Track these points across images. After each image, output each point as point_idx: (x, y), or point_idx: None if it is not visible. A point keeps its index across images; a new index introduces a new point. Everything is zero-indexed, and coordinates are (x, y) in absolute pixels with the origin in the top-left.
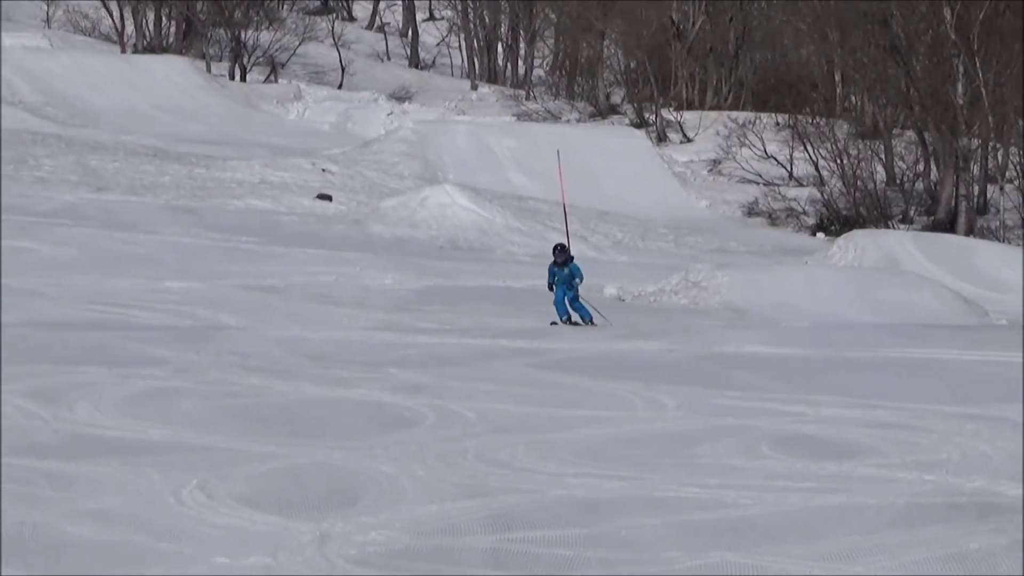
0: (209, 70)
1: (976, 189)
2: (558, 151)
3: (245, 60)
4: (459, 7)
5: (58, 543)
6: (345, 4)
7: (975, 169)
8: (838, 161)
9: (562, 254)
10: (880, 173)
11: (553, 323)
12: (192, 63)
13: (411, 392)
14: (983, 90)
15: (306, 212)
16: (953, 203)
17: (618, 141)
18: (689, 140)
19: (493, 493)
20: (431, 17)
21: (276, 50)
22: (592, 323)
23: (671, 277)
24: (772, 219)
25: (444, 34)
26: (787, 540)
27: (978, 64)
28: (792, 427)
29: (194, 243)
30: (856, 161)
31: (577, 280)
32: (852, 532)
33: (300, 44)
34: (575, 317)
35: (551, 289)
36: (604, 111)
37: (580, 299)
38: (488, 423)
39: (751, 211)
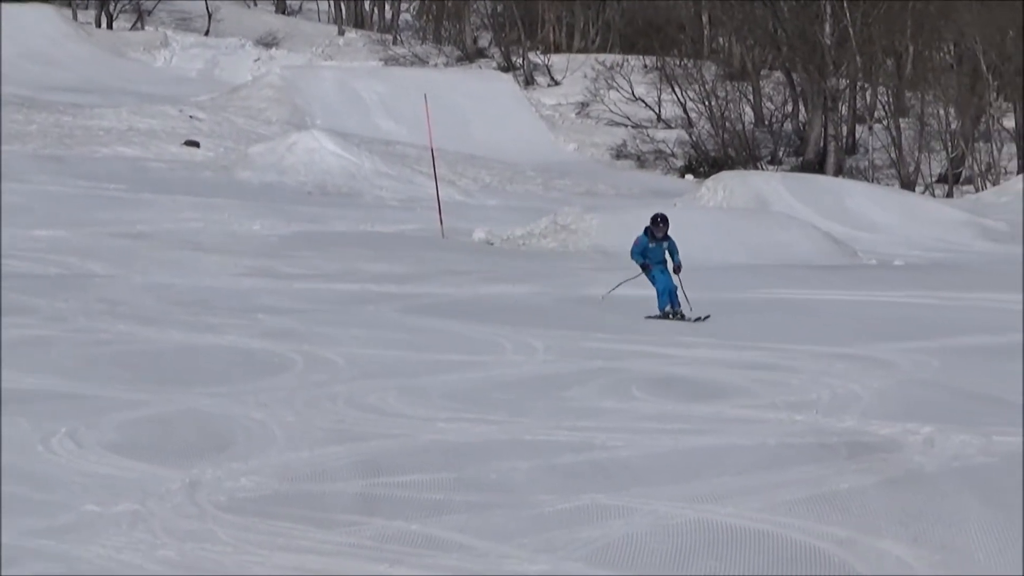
0: (76, 18)
1: (844, 129)
2: (425, 96)
3: (111, 8)
4: None
5: None
6: None
7: (843, 109)
8: (706, 103)
9: (663, 227)
10: (748, 114)
11: (650, 316)
12: (59, 11)
13: (280, 338)
14: (850, 30)
15: (174, 159)
16: (822, 143)
17: (486, 85)
18: (557, 83)
19: (363, 438)
20: None
21: None
22: (682, 317)
23: (540, 220)
24: (641, 161)
25: None
26: (658, 481)
27: (845, 4)
28: (662, 369)
29: (62, 191)
30: (724, 103)
31: (677, 258)
32: (723, 473)
33: None
34: (684, 309)
35: (645, 270)
36: (471, 55)
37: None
38: (358, 368)
39: (619, 154)
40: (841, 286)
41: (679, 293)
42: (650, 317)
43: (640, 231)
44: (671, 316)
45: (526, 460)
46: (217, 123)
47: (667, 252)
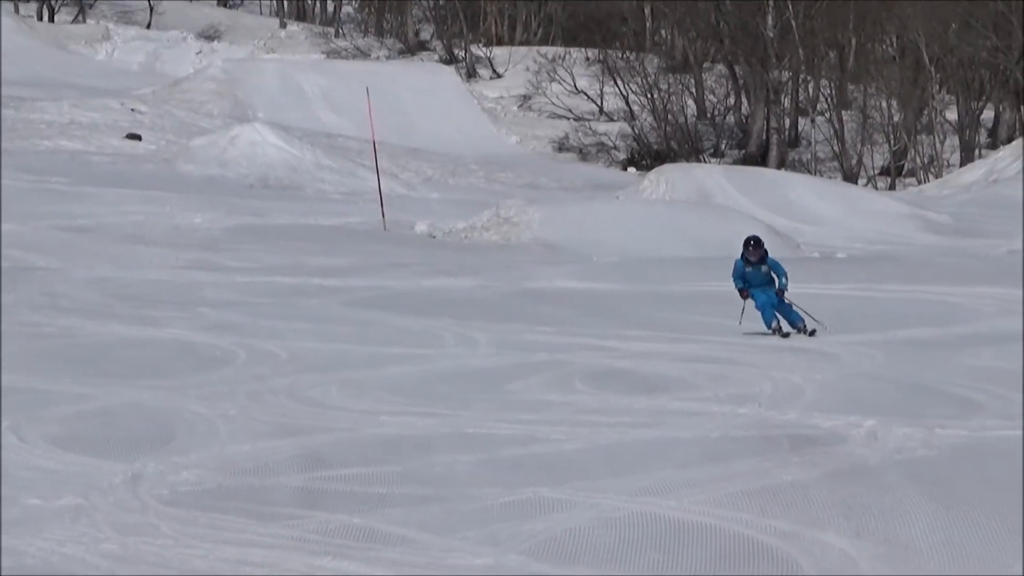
0: (17, 11)
1: (787, 122)
2: (367, 89)
3: (53, 1)
4: None
5: None
6: None
7: (786, 102)
8: (649, 95)
9: (757, 250)
10: (691, 107)
11: (766, 333)
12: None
13: (222, 331)
14: (793, 23)
15: (116, 152)
16: (764, 136)
17: (428, 78)
18: (499, 76)
19: (305, 432)
20: None
21: None
22: (807, 330)
23: (482, 213)
24: (583, 154)
25: None
26: (601, 475)
27: None
28: (605, 362)
29: (4, 185)
30: (667, 95)
31: (783, 280)
32: (666, 466)
33: None
34: (785, 325)
35: (743, 295)
36: (413, 48)
37: (787, 301)
38: (300, 361)
39: (562, 146)
40: None
41: (795, 308)
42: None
43: (586, 223)
44: (776, 333)
45: (469, 453)
46: (159, 116)
47: (772, 273)
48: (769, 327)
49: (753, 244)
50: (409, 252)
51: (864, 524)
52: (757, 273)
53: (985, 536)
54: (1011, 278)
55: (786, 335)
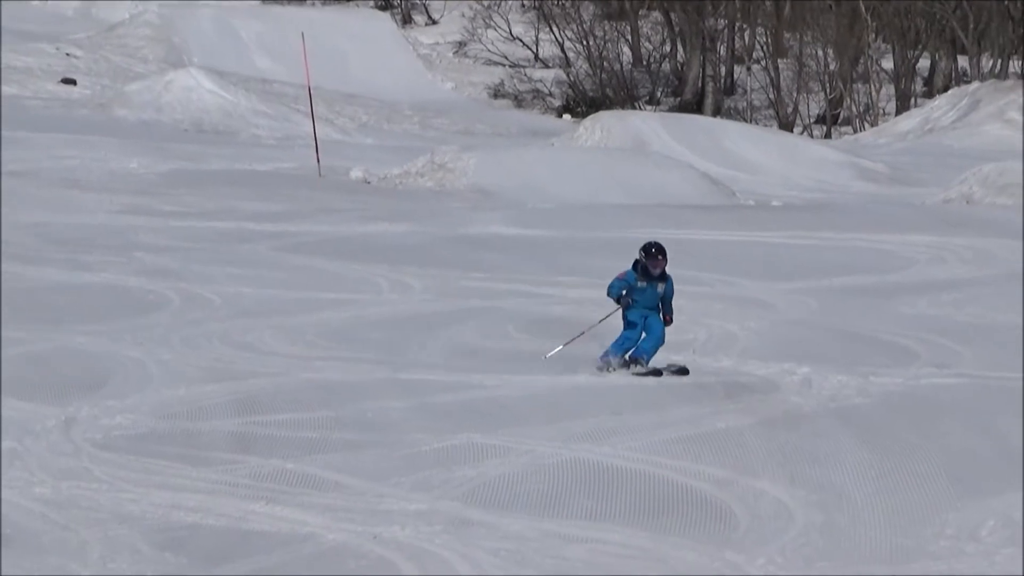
0: None
1: (723, 70)
2: (303, 34)
3: None
4: None
5: None
6: None
7: (722, 50)
8: (584, 43)
9: (661, 262)
10: (626, 54)
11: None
12: None
13: (156, 276)
14: None
15: (51, 96)
16: (700, 84)
17: (363, 24)
18: (434, 22)
19: (239, 377)
20: None
21: None
22: (653, 370)
23: (417, 159)
24: (518, 101)
25: None
26: (534, 421)
27: None
28: (540, 309)
29: None
30: (602, 42)
31: (669, 308)
32: (600, 413)
33: None
34: (638, 356)
35: (618, 302)
36: None
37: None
38: (233, 307)
39: (497, 93)
40: (719, 226)
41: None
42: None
43: (521, 170)
44: (618, 364)
45: (402, 399)
46: (94, 61)
47: (660, 299)
48: (617, 355)
49: (658, 252)
50: (343, 198)
51: (799, 471)
52: (649, 292)
53: (919, 482)
54: (945, 226)
55: (634, 368)
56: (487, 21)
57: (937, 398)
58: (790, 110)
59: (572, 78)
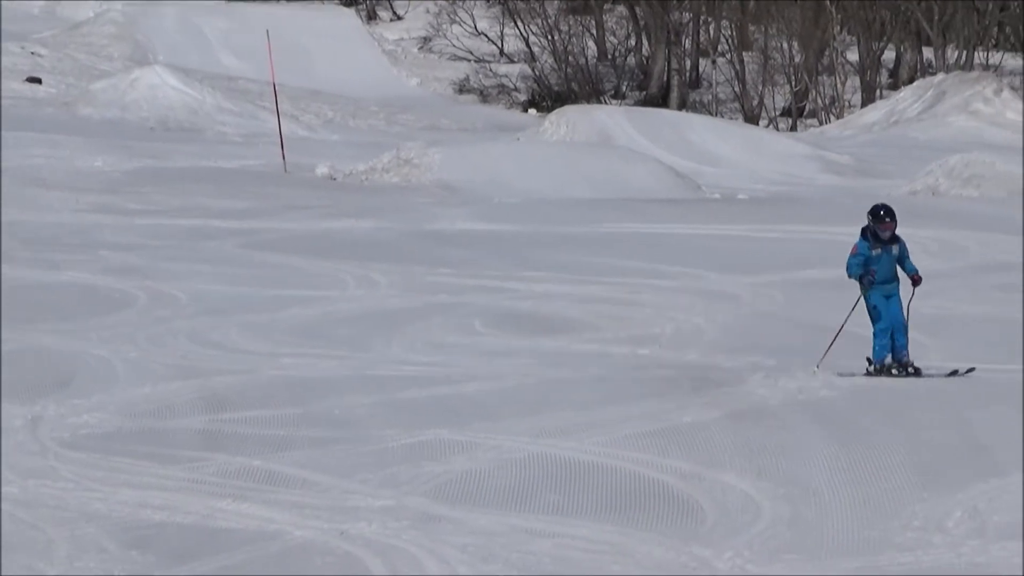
0: None
1: (688, 63)
2: (267, 31)
3: None
4: None
5: None
6: None
7: (687, 43)
8: (549, 37)
9: (891, 223)
10: (591, 48)
11: (868, 372)
12: None
13: (123, 274)
14: None
15: (16, 95)
16: (665, 78)
17: (328, 20)
18: (399, 18)
19: (206, 374)
20: None
21: None
22: (916, 371)
23: (383, 155)
24: (483, 96)
25: None
26: (502, 416)
27: None
28: (506, 303)
29: None
30: (567, 37)
31: (910, 266)
32: (566, 408)
33: None
34: (901, 358)
35: (862, 282)
36: None
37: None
38: (200, 304)
39: (462, 88)
40: (685, 220)
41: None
42: (868, 372)
43: (487, 165)
44: (894, 371)
45: (369, 395)
46: (59, 59)
47: (897, 262)
48: (879, 362)
49: (886, 214)
50: (310, 194)
51: (765, 464)
52: (886, 258)
53: (886, 475)
54: (910, 219)
55: (916, 372)
56: (452, 16)
57: (903, 390)
58: (756, 103)
59: (537, 73)
